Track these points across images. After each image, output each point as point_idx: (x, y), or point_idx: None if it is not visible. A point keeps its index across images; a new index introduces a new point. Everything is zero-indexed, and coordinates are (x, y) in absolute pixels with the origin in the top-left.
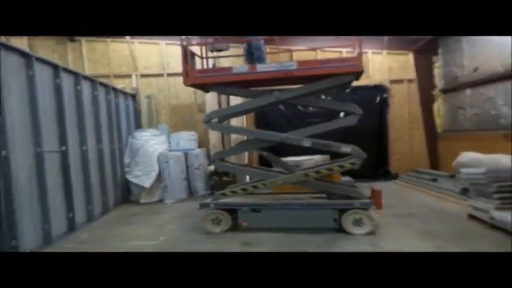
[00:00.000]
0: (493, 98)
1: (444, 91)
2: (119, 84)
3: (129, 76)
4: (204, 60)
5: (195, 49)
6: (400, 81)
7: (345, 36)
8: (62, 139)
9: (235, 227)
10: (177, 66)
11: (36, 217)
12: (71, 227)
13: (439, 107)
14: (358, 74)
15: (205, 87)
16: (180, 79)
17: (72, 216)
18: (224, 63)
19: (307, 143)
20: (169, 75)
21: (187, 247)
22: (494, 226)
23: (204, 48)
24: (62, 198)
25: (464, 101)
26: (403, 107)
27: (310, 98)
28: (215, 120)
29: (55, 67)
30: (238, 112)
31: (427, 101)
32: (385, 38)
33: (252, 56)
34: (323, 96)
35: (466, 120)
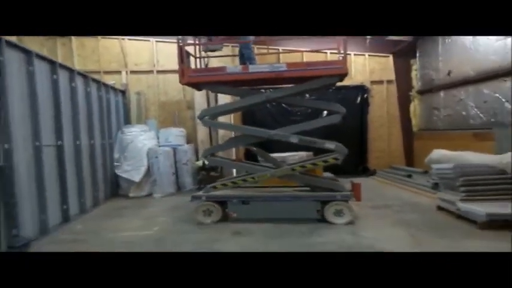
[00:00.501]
0: (464, 100)
1: (420, 92)
2: (109, 80)
3: (119, 72)
4: (197, 59)
5: (189, 48)
6: (380, 82)
7: (330, 37)
8: (58, 134)
9: (225, 218)
10: (167, 63)
11: (34, 208)
12: (65, 218)
13: (415, 107)
14: (342, 76)
15: (198, 86)
16: (170, 76)
17: (66, 208)
18: (215, 62)
19: (294, 140)
20: (158, 72)
21: (180, 237)
22: (460, 216)
23: (197, 47)
24: (57, 191)
25: (438, 102)
26: (382, 107)
27: (297, 97)
28: (207, 117)
29: (52, 63)
30: (230, 110)
31: (404, 102)
32: (367, 40)
33: (244, 56)
34: (307, 96)
35: (440, 120)
